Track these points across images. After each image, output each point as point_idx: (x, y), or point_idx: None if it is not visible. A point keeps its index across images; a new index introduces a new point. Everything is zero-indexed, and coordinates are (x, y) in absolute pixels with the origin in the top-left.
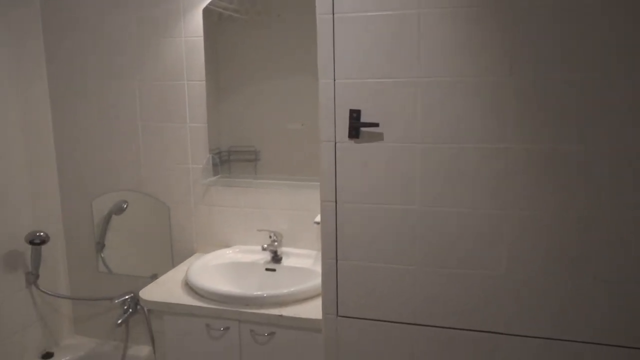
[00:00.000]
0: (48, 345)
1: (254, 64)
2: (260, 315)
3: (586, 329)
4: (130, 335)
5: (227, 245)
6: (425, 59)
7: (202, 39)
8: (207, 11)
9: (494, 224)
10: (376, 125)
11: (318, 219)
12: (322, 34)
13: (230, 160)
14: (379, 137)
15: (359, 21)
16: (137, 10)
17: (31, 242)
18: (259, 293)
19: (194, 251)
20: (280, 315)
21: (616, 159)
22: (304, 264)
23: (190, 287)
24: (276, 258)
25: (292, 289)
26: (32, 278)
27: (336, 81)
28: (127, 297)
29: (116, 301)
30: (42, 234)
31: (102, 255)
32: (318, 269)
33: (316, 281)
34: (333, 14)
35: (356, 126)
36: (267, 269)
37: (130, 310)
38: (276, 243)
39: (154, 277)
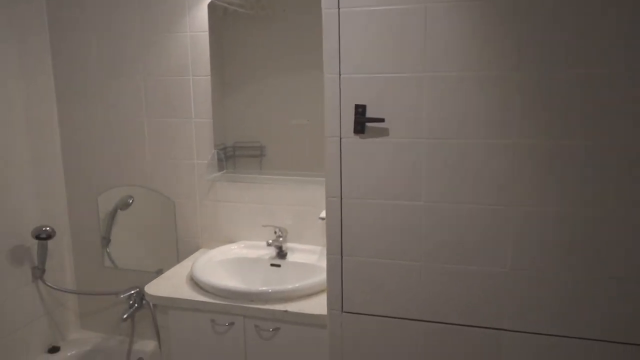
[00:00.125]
0: (54, 339)
1: (259, 59)
2: (265, 311)
3: (593, 326)
4: (136, 330)
5: (232, 241)
6: (431, 54)
7: (207, 34)
8: (212, 6)
9: (500, 220)
10: (382, 120)
11: (323, 214)
12: (327, 28)
13: (236, 155)
14: (384, 132)
15: (364, 15)
16: (142, 5)
17: (37, 237)
18: (263, 288)
19: (199, 246)
20: (285, 311)
21: (623, 155)
22: (309, 259)
23: (195, 283)
24: (281, 254)
25: (297, 285)
26: (39, 272)
27: (342, 76)
28: (132, 292)
29: (122, 296)
30: (48, 228)
31: (108, 250)
32: (323, 264)
33: (321, 277)
34: (339, 8)
35: (361, 121)
36: (272, 265)
37: (136, 305)
38: (281, 239)
39: (160, 272)
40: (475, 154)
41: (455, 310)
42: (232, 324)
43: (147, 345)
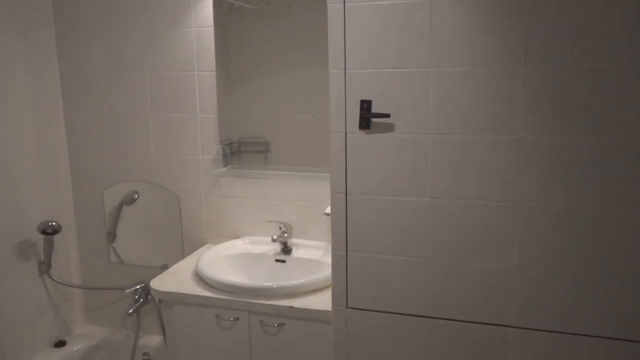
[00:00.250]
0: (61, 333)
1: (264, 54)
2: (270, 306)
3: (597, 323)
4: (142, 324)
5: (237, 236)
6: (438, 49)
7: (212, 29)
8: (217, 1)
9: (506, 216)
10: (387, 116)
11: (328, 210)
12: (333, 23)
13: (241, 151)
14: (390, 128)
15: (370, 10)
16: (148, 0)
17: (43, 232)
18: (268, 284)
19: (204, 242)
20: (290, 307)
21: (631, 151)
22: (314, 255)
23: (200, 278)
24: (286, 249)
25: (301, 281)
26: (45, 267)
27: (347, 71)
28: (138, 287)
29: (127, 291)
30: (54, 223)
31: (114, 245)
32: (328, 260)
33: (326, 273)
34: (344, 3)
35: (367, 117)
36: (277, 260)
37: (141, 300)
38: (286, 234)
39: (165, 267)
40: (481, 149)
41: (460, 306)
42: (237, 319)
43: (153, 340)
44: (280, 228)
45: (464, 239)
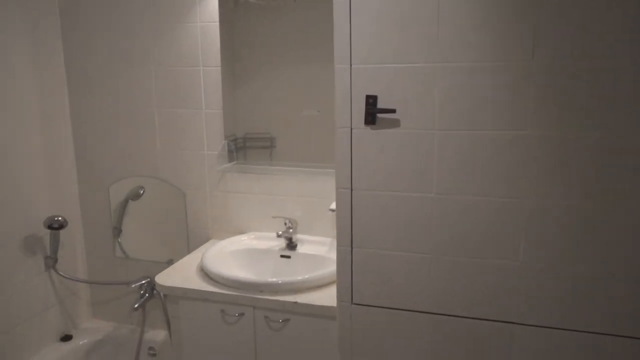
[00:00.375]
0: (67, 328)
1: (270, 49)
2: (275, 302)
3: (605, 320)
4: (147, 319)
5: (242, 232)
6: (444, 44)
7: (217, 24)
8: None
9: (512, 213)
10: (393, 111)
11: (333, 206)
12: (338, 18)
13: (246, 147)
14: (395, 123)
15: (376, 5)
16: None
17: (50, 227)
18: (273, 280)
19: (209, 237)
20: (295, 302)
21: (637, 149)
22: (319, 251)
23: (205, 273)
24: (291, 245)
25: (306, 276)
26: (51, 262)
27: (352, 66)
28: (143, 281)
29: (133, 286)
30: (60, 218)
31: (119, 240)
32: (333, 256)
33: (331, 268)
34: None
35: (372, 112)
36: (281, 256)
37: (147, 294)
38: (291, 230)
39: (170, 262)
40: (487, 145)
41: (465, 303)
42: (242, 314)
43: (158, 334)
44: (285, 224)
45: (469, 236)
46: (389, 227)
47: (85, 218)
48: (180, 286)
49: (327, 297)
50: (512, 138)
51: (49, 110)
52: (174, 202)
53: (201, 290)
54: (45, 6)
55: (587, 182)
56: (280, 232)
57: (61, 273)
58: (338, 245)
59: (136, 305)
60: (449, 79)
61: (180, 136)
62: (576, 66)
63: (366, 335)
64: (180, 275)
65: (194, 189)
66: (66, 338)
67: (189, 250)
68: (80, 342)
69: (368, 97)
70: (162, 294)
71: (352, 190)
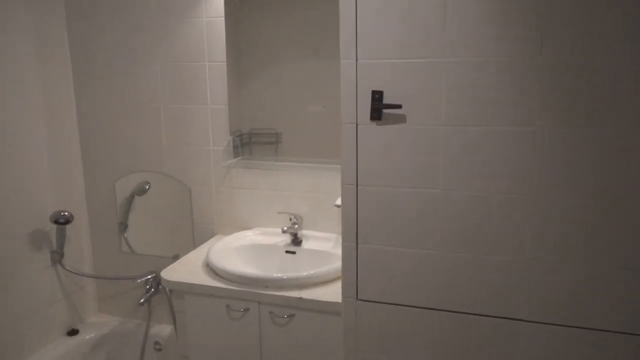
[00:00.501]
0: (73, 322)
1: (275, 45)
2: (280, 297)
3: (612, 318)
4: (153, 314)
5: (248, 227)
6: (451, 38)
7: (223, 19)
8: None
9: (519, 209)
10: (399, 106)
11: (339, 202)
12: (344, 13)
13: (252, 142)
14: (401, 119)
15: None
16: None
17: (56, 222)
18: (278, 275)
19: (214, 233)
20: (300, 298)
21: None
22: (324, 247)
23: (210, 268)
24: (296, 241)
25: (311, 272)
26: (57, 257)
27: (358, 61)
28: (149, 276)
29: (139, 281)
30: (66, 213)
31: (125, 236)
32: (338, 252)
33: (336, 264)
34: None
35: (378, 108)
36: (287, 252)
37: (152, 289)
38: (296, 226)
39: (176, 257)
40: (494, 141)
41: (470, 299)
42: (247, 310)
43: (164, 329)
44: (290, 219)
45: (476, 232)
46: (394, 223)
47: (91, 213)
48: (186, 281)
49: (332, 293)
50: (518, 134)
51: (55, 105)
52: (180, 197)
53: (206, 286)
54: (50, 2)
55: (593, 178)
56: (286, 228)
57: (67, 268)
58: (343, 241)
59: (142, 300)
60: (456, 74)
61: (186, 132)
62: (584, 62)
63: (371, 331)
64: (185, 270)
65: (199, 185)
66: (72, 332)
67: (195, 245)
68: (87, 337)
69: (374, 92)
70: (167, 289)
71: (357, 186)
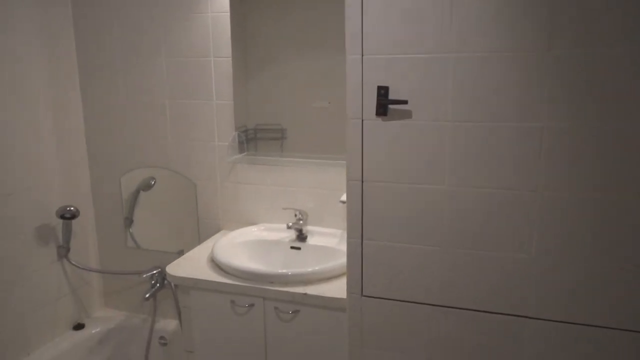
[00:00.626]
0: (79, 316)
1: (281, 41)
2: (285, 293)
3: (619, 316)
4: (158, 309)
5: (253, 223)
6: (458, 33)
7: (228, 14)
8: None
9: (526, 206)
10: (405, 102)
11: (344, 197)
12: (350, 8)
13: (257, 138)
14: (407, 114)
15: None
16: None
17: (62, 217)
18: (283, 271)
19: (219, 228)
20: (305, 294)
21: None
22: (329, 242)
23: (216, 264)
24: (301, 236)
25: (316, 268)
26: (63, 251)
27: (364, 57)
28: (154, 272)
29: (144, 276)
30: (72, 208)
31: (131, 231)
32: (343, 248)
33: (341, 260)
34: None
35: (384, 103)
36: (292, 247)
37: (158, 284)
38: (301, 221)
39: (181, 252)
40: (501, 137)
41: (477, 296)
42: (252, 305)
43: (169, 324)
44: (295, 215)
45: (481, 228)
46: (400, 220)
47: (97, 208)
48: (191, 276)
49: (337, 289)
50: (525, 130)
51: (61, 100)
52: (185, 192)
53: (212, 281)
54: None
55: (601, 174)
56: (291, 224)
57: (73, 262)
58: (348, 237)
59: (147, 295)
60: (462, 70)
61: (191, 127)
62: (592, 58)
63: (376, 327)
64: (190, 265)
65: (204, 180)
66: (78, 327)
67: (200, 240)
68: (93, 331)
69: (380, 87)
70: (173, 284)
71: (363, 182)
